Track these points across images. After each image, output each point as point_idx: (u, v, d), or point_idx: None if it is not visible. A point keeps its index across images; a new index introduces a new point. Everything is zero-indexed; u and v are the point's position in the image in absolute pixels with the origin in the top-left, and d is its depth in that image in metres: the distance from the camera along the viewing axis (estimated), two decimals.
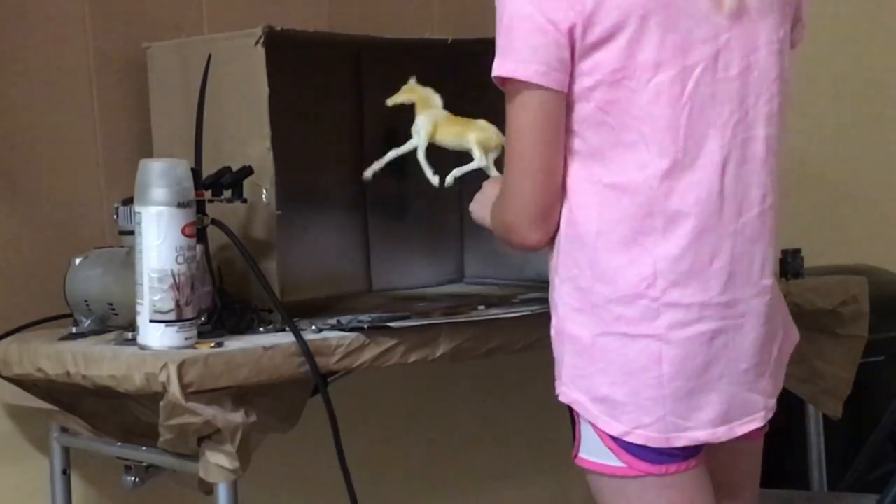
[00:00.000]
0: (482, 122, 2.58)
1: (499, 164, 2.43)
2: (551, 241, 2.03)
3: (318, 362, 2.32)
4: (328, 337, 2.37)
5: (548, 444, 3.40)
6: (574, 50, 1.92)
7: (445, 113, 2.62)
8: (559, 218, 2.00)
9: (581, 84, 1.94)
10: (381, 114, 2.99)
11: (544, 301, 2.65)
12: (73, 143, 2.77)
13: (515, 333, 2.55)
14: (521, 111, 1.95)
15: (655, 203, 1.94)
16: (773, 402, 2.07)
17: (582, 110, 1.95)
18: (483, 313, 2.58)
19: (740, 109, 1.97)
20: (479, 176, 2.47)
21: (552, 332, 2.05)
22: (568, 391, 2.01)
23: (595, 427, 1.99)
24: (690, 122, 1.95)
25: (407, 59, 2.96)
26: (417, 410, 3.27)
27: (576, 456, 2.04)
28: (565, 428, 3.03)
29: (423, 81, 2.64)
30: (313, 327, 2.41)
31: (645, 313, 1.95)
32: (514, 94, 1.95)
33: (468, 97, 3.04)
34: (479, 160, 2.54)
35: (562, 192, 1.99)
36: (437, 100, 2.63)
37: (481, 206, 2.19)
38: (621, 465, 1.98)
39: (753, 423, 2.04)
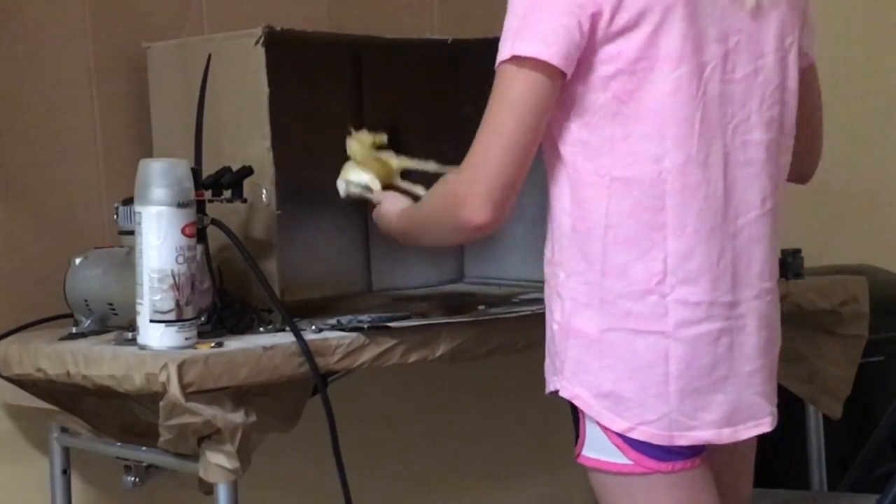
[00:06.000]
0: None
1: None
2: (551, 233, 2.02)
3: (318, 362, 2.32)
4: (328, 337, 2.37)
5: (547, 445, 3.40)
6: (595, 36, 1.90)
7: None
8: (509, 211, 1.95)
9: (599, 72, 1.92)
10: (381, 114, 3.00)
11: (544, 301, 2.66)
12: (73, 143, 2.77)
13: (515, 333, 2.55)
14: (518, 85, 1.91)
15: (668, 197, 1.94)
16: (776, 409, 2.07)
17: (596, 100, 1.93)
18: (483, 313, 2.59)
19: (741, 112, 1.98)
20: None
21: (553, 326, 2.03)
22: (570, 386, 2.00)
23: (600, 424, 1.98)
24: (703, 119, 1.95)
25: (407, 59, 2.97)
26: (417, 410, 3.27)
27: (578, 454, 2.03)
28: (565, 428, 3.03)
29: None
30: (313, 327, 2.41)
31: (654, 309, 1.95)
32: (516, 69, 1.91)
33: (468, 97, 3.04)
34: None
35: (528, 182, 1.95)
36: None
37: (385, 216, 2.27)
38: (628, 462, 1.98)
39: (761, 427, 2.04)
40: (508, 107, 1.92)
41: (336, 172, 2.99)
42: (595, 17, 1.90)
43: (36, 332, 2.57)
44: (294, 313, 2.40)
